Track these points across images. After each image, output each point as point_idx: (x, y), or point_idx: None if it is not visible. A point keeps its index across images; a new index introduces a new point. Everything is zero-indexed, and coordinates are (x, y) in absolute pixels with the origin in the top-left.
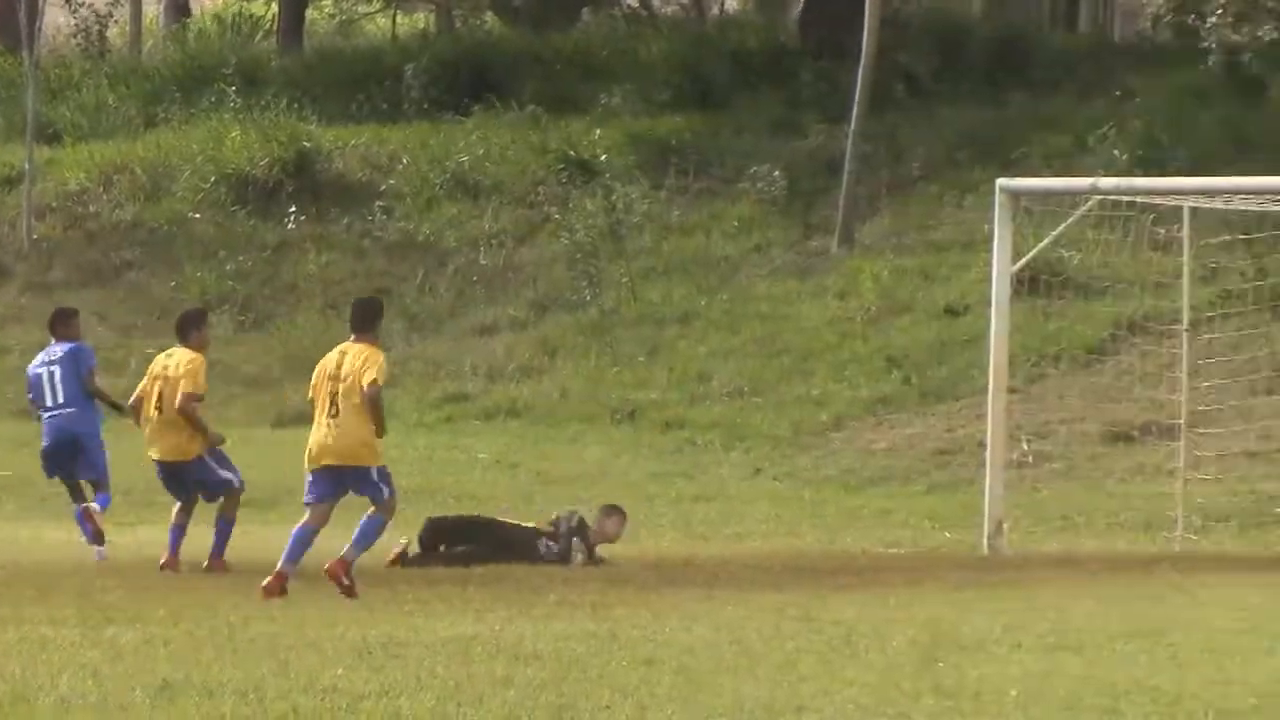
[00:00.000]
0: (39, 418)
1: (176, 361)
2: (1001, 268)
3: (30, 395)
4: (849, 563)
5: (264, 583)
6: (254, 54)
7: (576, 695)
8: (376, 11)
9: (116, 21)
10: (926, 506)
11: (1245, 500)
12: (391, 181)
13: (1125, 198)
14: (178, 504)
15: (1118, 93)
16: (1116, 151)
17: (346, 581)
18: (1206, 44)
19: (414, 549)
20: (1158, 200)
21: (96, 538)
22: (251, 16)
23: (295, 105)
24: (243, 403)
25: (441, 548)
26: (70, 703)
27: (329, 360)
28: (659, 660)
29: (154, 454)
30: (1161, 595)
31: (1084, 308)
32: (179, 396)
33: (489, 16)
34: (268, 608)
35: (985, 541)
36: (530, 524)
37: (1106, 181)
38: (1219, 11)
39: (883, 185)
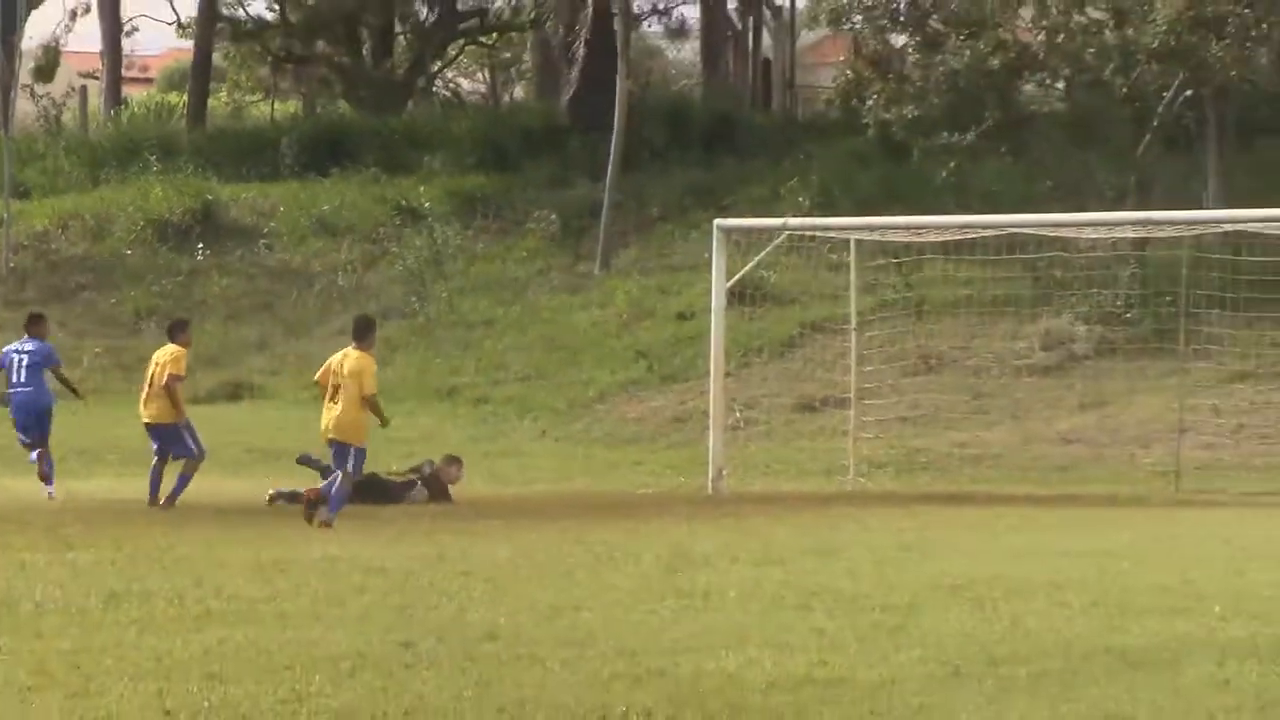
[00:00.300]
0: (6, 397)
1: (167, 353)
2: (718, 284)
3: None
4: (611, 500)
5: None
6: (170, 132)
7: (413, 599)
8: (259, 100)
9: (69, 108)
10: (666, 459)
11: (899, 453)
12: (272, 224)
13: (808, 233)
14: (157, 456)
15: (801, 156)
16: (801, 199)
17: (330, 528)
18: (866, 120)
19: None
20: (832, 234)
21: (48, 478)
22: (168, 104)
23: (201, 169)
24: None
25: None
26: (43, 607)
27: (335, 359)
28: (474, 572)
29: (144, 417)
30: (839, 522)
31: (779, 313)
32: (165, 377)
33: (341, 103)
34: (188, 536)
35: (710, 484)
36: (403, 474)
37: (794, 221)
38: (875, 96)
39: (631, 225)
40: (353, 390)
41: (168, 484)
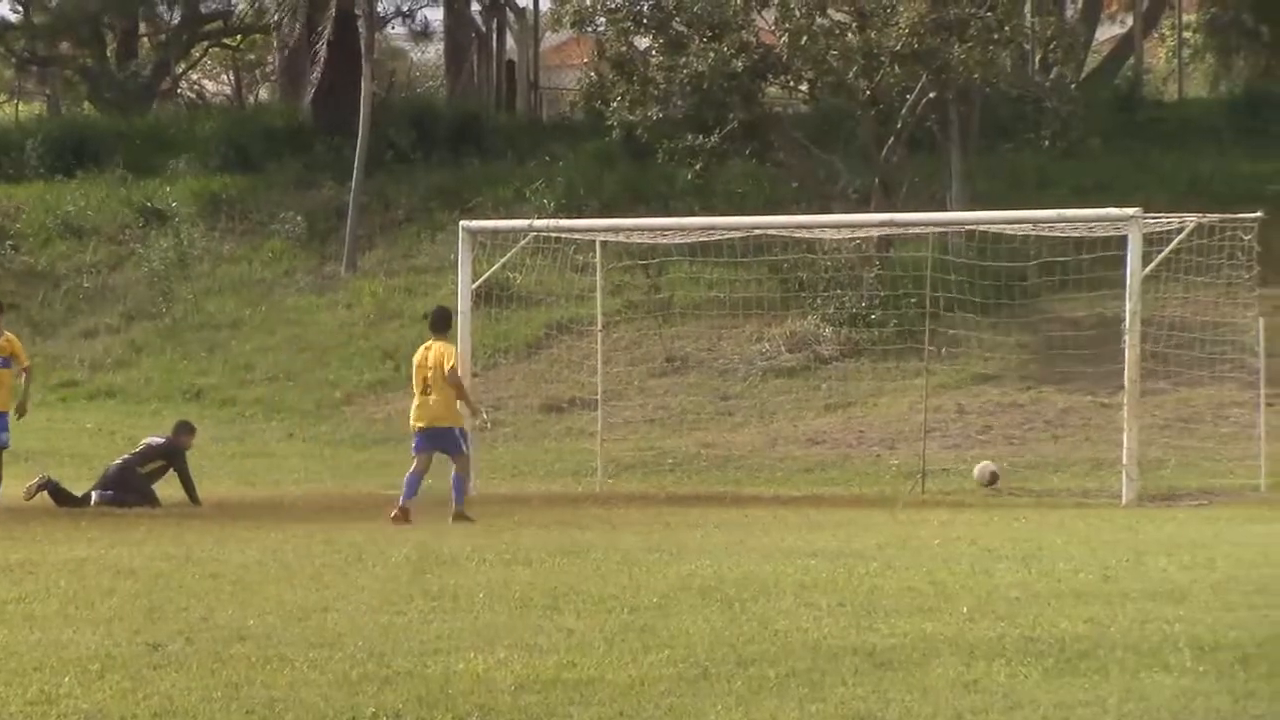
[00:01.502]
0: None
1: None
2: (465, 286)
3: None
4: (359, 501)
5: (392, 514)
6: None
7: (162, 601)
8: (3, 102)
9: None
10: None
11: (647, 454)
12: (18, 226)
13: (554, 234)
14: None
15: (546, 158)
16: (546, 200)
17: (470, 519)
18: (610, 122)
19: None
20: (577, 235)
21: None
22: None
23: None
24: None
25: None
26: None
27: (419, 354)
28: (222, 574)
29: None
30: (587, 523)
31: (525, 314)
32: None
33: (86, 105)
34: None
35: None
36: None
37: (540, 222)
38: (619, 99)
39: (377, 226)
40: (441, 379)
41: None
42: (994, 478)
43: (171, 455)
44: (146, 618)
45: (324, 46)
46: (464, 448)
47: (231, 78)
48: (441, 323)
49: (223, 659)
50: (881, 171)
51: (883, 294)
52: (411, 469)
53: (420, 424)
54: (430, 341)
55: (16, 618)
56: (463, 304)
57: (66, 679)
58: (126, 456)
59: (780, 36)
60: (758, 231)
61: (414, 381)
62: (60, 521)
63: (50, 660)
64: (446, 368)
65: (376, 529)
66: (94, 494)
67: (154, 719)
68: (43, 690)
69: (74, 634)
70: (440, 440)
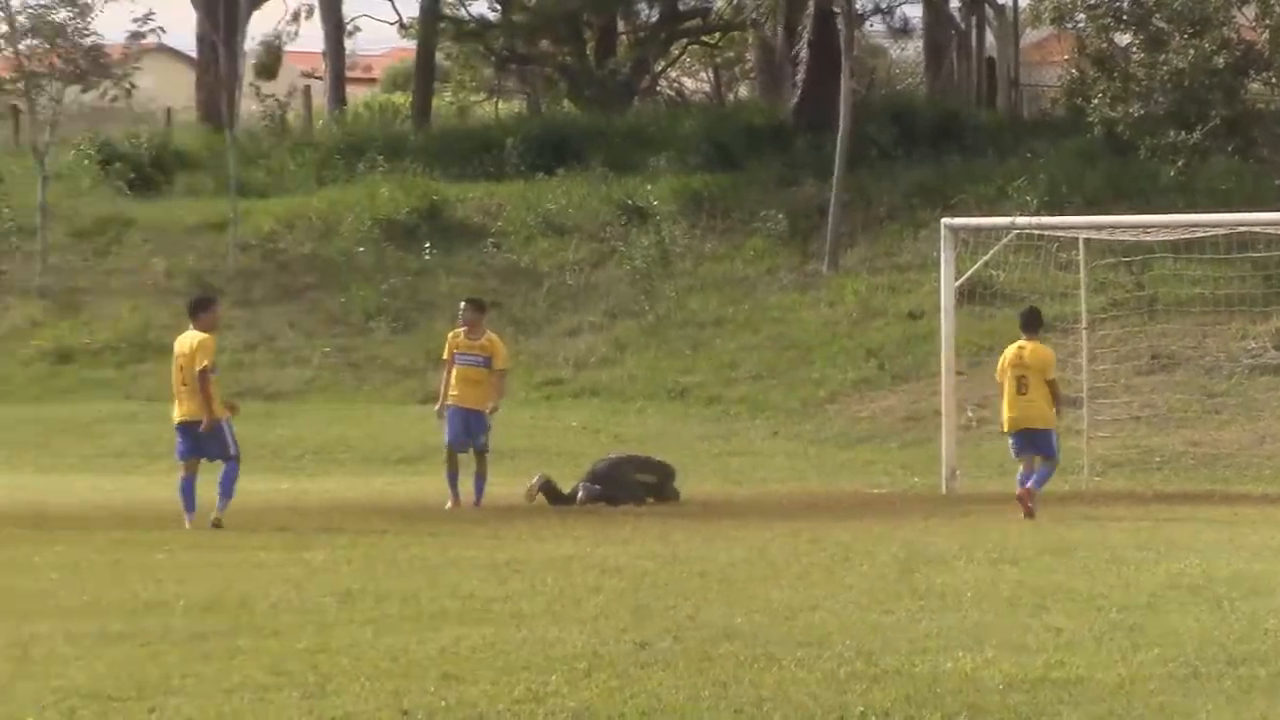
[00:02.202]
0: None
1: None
2: (947, 283)
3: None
4: (844, 500)
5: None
6: (396, 132)
7: (649, 599)
8: (484, 100)
9: (293, 107)
10: (899, 459)
11: (1133, 453)
12: (499, 224)
13: (1036, 231)
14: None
15: (1028, 155)
16: (1028, 198)
17: (1030, 505)
18: (1091, 119)
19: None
20: (1060, 233)
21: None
22: (393, 103)
23: (427, 168)
24: (396, 387)
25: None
26: (279, 606)
27: (1011, 353)
28: (708, 573)
29: (177, 417)
30: (1074, 521)
31: (1009, 312)
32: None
33: (566, 103)
34: (420, 536)
35: (944, 484)
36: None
37: (1022, 220)
38: (1100, 95)
39: (858, 224)
40: (1039, 380)
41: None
42: None
43: (664, 482)
44: (633, 616)
45: (805, 47)
46: (1056, 452)
47: (710, 75)
48: (1032, 323)
49: (710, 657)
50: None
51: None
52: (1022, 470)
53: (1019, 426)
54: (1022, 341)
55: (504, 616)
56: (946, 302)
57: (554, 677)
58: (620, 456)
59: (1261, 33)
60: (1242, 229)
61: (1006, 380)
62: (547, 519)
63: (537, 659)
64: (1049, 376)
65: (863, 528)
66: (581, 487)
67: (641, 717)
68: (530, 689)
69: (561, 632)
70: (1036, 441)
